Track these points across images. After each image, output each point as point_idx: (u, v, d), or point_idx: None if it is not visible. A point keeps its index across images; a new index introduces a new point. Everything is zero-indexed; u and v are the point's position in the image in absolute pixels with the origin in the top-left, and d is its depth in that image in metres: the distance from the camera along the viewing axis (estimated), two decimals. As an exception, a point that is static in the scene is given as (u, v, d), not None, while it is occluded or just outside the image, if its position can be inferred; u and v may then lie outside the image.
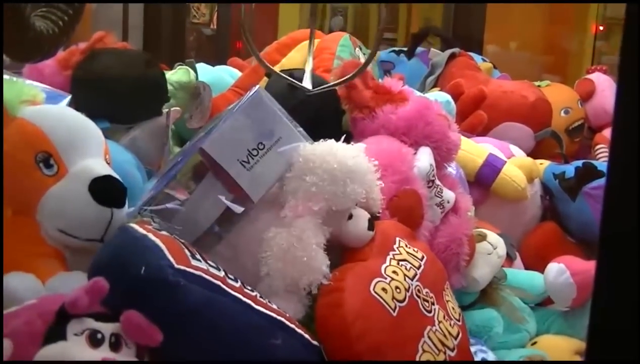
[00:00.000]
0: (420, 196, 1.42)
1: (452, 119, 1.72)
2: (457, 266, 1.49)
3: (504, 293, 1.63)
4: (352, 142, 1.36)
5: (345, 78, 1.52)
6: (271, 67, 1.63)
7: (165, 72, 1.76)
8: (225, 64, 2.36)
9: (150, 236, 1.04)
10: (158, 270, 0.99)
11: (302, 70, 1.76)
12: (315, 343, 1.15)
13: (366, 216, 1.28)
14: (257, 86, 1.28)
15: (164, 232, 1.09)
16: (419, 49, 2.77)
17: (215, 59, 3.08)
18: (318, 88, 1.52)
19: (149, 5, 3.26)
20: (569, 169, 2.00)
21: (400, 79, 1.70)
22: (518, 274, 1.76)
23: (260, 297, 1.12)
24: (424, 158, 1.47)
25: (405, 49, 2.78)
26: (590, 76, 2.71)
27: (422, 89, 2.46)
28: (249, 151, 1.21)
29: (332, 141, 1.28)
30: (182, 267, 1.02)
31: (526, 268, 1.86)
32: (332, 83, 1.54)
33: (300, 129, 1.28)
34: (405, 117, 1.51)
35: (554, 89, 2.59)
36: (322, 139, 1.28)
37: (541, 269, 1.69)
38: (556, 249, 1.86)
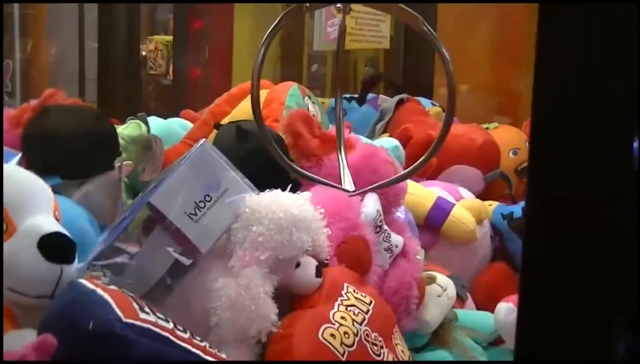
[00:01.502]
0: (368, 242, 1.44)
1: (401, 165, 1.76)
2: (407, 309, 1.51)
3: (456, 333, 1.65)
4: (299, 191, 1.39)
5: (401, 174, 1.52)
6: (265, 127, 1.55)
7: (116, 126, 1.78)
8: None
9: (99, 291, 1.06)
10: (106, 324, 1.01)
11: (252, 122, 1.79)
12: (265, 391, 1.17)
13: (314, 263, 1.30)
14: (203, 140, 1.31)
15: (112, 287, 1.10)
16: (370, 96, 2.82)
17: (172, 110, 3.10)
18: (358, 191, 1.50)
19: (103, 58, 3.29)
20: (517, 210, 2.04)
21: (347, 127, 1.74)
22: (469, 314, 1.79)
23: (210, 347, 1.14)
24: (371, 204, 1.50)
25: (356, 96, 2.83)
26: (537, 117, 2.76)
27: (372, 135, 2.50)
28: (196, 203, 1.23)
29: (278, 190, 1.30)
30: (130, 321, 1.03)
31: (478, 308, 1.88)
32: (375, 185, 1.51)
33: (247, 180, 1.30)
34: (351, 165, 1.54)
35: (502, 131, 2.64)
36: (268, 189, 1.31)
37: (493, 308, 1.70)
38: (507, 288, 1.88)
